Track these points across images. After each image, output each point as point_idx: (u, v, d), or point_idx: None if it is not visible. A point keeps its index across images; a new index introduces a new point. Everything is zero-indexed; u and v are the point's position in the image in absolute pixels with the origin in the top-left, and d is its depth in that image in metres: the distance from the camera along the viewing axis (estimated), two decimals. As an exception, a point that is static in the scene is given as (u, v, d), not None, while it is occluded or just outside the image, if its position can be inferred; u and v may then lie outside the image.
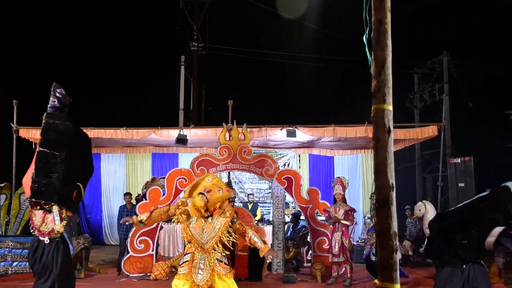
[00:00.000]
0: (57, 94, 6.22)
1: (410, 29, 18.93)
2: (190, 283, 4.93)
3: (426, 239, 5.57)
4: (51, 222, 5.87)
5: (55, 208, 5.86)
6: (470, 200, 4.98)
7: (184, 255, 5.17)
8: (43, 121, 6.10)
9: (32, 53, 22.59)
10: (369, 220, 12.15)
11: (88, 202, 14.47)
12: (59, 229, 5.88)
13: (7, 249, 8.76)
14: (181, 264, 5.09)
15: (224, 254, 5.09)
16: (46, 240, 5.87)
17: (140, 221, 5.30)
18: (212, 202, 4.97)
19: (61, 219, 5.89)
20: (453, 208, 5.29)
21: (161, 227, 9.99)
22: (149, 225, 9.34)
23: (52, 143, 5.95)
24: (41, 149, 5.93)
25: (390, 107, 2.46)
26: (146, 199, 9.55)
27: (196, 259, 4.98)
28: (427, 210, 9.35)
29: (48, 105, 6.20)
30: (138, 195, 11.02)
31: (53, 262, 5.85)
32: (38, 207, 5.92)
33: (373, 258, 8.24)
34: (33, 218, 5.91)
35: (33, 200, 5.87)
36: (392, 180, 2.48)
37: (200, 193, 4.96)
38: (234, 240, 5.18)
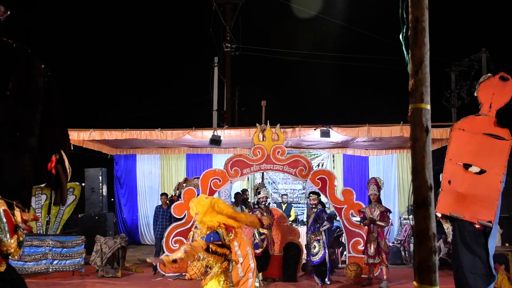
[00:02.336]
0: None
1: (447, 25, 18.55)
2: None
3: None
4: None
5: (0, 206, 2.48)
6: None
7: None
8: None
9: (62, 56, 23.13)
10: (405, 221, 11.97)
11: (125, 202, 14.75)
12: (9, 249, 2.49)
13: (48, 247, 9.03)
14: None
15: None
16: None
17: (174, 261, 4.59)
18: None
19: (13, 230, 2.51)
20: None
21: (196, 227, 10.08)
22: (184, 226, 9.48)
23: None
24: None
25: (428, 106, 2.42)
26: (181, 199, 9.68)
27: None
28: (465, 211, 9.15)
29: None
30: (172, 196, 11.16)
31: None
32: None
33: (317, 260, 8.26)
34: None
35: None
36: (430, 180, 2.44)
37: None
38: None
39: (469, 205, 4.56)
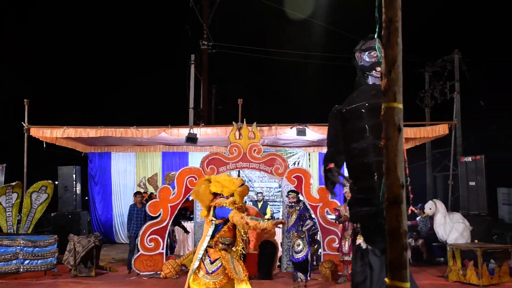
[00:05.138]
0: None
1: (421, 27, 18.84)
2: None
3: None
4: None
5: None
6: None
7: (212, 262, 4.75)
8: None
9: (43, 52, 22.77)
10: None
11: (99, 200, 14.56)
12: None
13: (19, 247, 8.87)
14: (213, 273, 4.73)
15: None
16: None
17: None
18: (198, 199, 4.89)
19: None
20: None
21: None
22: (159, 224, 9.42)
23: None
24: None
25: (401, 106, 2.45)
26: (157, 198, 9.62)
27: (229, 260, 4.79)
28: (437, 209, 9.37)
29: None
30: (150, 194, 11.06)
31: None
32: None
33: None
34: None
35: None
36: (402, 178, 2.47)
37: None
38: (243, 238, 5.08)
39: None
